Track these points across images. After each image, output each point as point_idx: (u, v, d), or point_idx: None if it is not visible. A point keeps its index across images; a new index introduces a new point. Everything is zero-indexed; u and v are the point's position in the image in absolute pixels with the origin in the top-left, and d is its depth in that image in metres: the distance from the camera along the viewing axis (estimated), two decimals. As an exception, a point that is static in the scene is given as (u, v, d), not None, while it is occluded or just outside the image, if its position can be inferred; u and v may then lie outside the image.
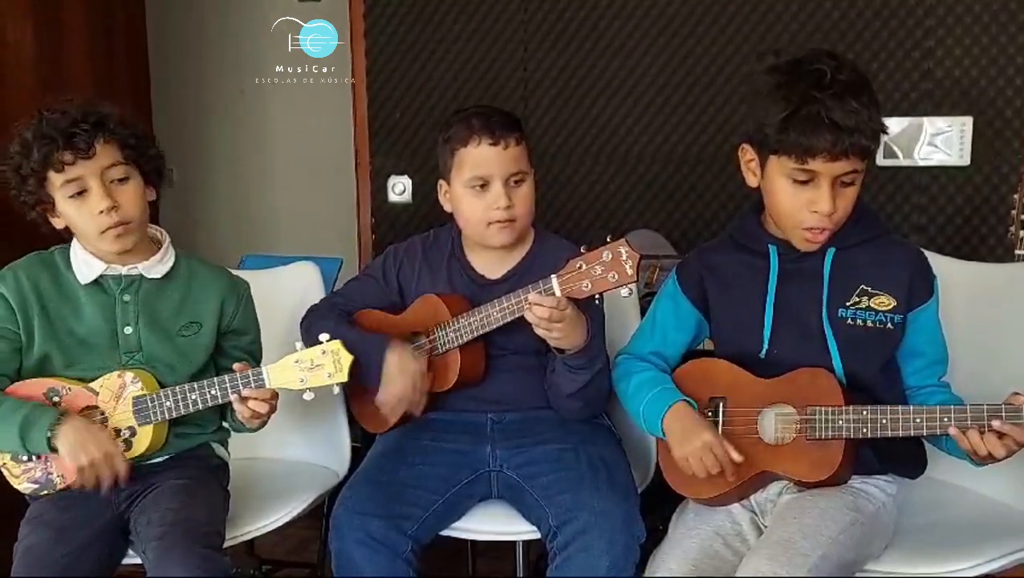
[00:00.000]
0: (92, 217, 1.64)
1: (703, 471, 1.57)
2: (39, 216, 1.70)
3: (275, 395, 1.66)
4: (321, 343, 1.61)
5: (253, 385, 1.63)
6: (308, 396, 1.63)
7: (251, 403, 1.63)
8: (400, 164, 2.85)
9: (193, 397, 1.66)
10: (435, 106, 2.79)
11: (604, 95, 2.68)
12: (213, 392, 1.65)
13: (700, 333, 1.75)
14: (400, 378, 1.74)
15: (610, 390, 1.78)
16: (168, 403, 1.66)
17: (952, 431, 1.45)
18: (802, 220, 1.55)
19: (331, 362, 1.60)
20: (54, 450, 1.60)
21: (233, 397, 1.63)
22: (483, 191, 1.77)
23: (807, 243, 1.58)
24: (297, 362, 1.61)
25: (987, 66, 2.42)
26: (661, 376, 1.69)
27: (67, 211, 1.66)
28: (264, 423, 1.74)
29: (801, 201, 1.53)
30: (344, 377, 1.61)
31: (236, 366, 1.65)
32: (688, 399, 1.63)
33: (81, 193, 1.64)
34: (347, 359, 1.60)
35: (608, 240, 1.58)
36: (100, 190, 1.63)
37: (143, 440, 1.67)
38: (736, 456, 1.55)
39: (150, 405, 1.66)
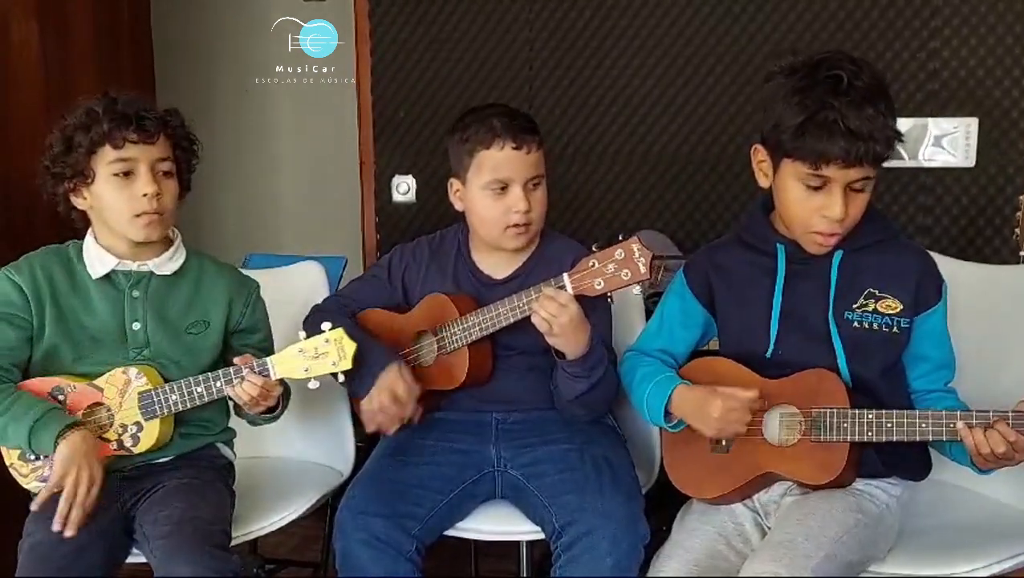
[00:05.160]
0: (132, 199, 1.66)
1: (743, 428, 1.56)
2: (63, 195, 1.70)
3: (279, 384, 1.67)
4: (324, 332, 1.61)
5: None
6: (313, 385, 1.64)
7: (245, 385, 1.63)
8: (404, 164, 2.85)
9: (199, 390, 1.66)
10: (439, 106, 2.79)
11: (609, 95, 2.68)
12: (218, 384, 1.65)
13: (708, 331, 1.75)
14: (388, 394, 1.73)
15: (615, 395, 1.78)
16: (174, 396, 1.67)
17: (959, 424, 1.45)
18: (813, 224, 1.55)
19: (335, 350, 1.61)
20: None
21: (236, 384, 1.64)
22: (502, 194, 1.77)
23: (817, 246, 1.58)
24: (301, 351, 1.62)
25: (993, 67, 2.41)
26: (663, 367, 1.70)
27: (104, 189, 1.67)
28: (275, 413, 1.75)
29: (813, 206, 1.53)
30: (348, 364, 1.61)
31: (238, 359, 1.66)
32: (687, 382, 1.63)
33: (127, 175, 1.66)
34: (351, 347, 1.61)
35: (620, 238, 1.59)
36: (148, 175, 1.66)
37: (150, 435, 1.68)
38: (750, 394, 1.55)
39: (155, 399, 1.67)
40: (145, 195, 1.66)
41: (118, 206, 1.67)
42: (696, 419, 1.60)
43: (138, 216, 1.67)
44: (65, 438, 1.58)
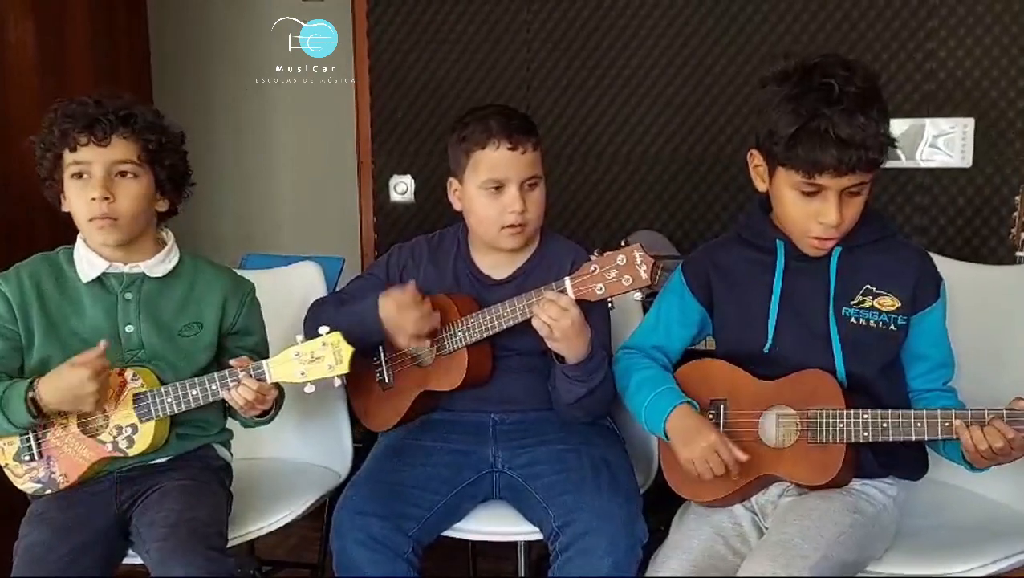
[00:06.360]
0: (84, 202, 1.66)
1: (708, 473, 1.57)
2: (53, 195, 1.72)
3: (275, 388, 1.67)
4: (321, 336, 1.61)
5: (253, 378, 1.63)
6: (309, 389, 1.63)
7: (241, 389, 1.63)
8: (402, 163, 2.85)
9: (194, 392, 1.66)
10: (438, 106, 2.79)
11: (607, 96, 2.68)
12: (213, 387, 1.65)
13: (703, 329, 1.75)
14: (402, 314, 1.74)
15: (613, 398, 1.78)
16: (169, 399, 1.66)
17: (955, 422, 1.46)
18: (809, 229, 1.55)
19: (331, 354, 1.61)
20: (42, 415, 1.62)
21: (232, 388, 1.63)
22: (498, 193, 1.77)
23: (814, 249, 1.58)
24: (297, 355, 1.62)
25: (989, 67, 2.42)
26: (663, 374, 1.69)
27: (69, 192, 1.68)
28: (268, 416, 1.75)
29: (808, 211, 1.54)
30: (345, 368, 1.61)
31: (234, 361, 1.65)
32: (691, 401, 1.63)
33: (83, 176, 1.66)
34: (347, 351, 1.60)
35: (623, 244, 1.59)
36: (99, 179, 1.65)
37: (145, 437, 1.68)
38: (741, 456, 1.55)
39: (151, 401, 1.67)
40: (93, 199, 1.64)
41: (76, 209, 1.68)
42: (681, 441, 1.59)
43: (91, 220, 1.66)
44: (36, 391, 1.59)
